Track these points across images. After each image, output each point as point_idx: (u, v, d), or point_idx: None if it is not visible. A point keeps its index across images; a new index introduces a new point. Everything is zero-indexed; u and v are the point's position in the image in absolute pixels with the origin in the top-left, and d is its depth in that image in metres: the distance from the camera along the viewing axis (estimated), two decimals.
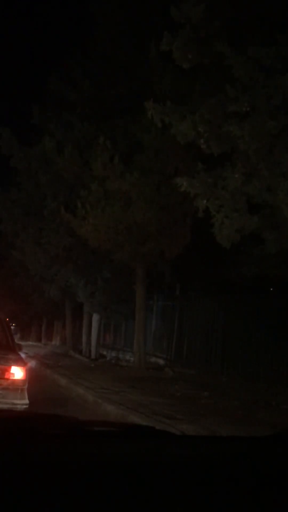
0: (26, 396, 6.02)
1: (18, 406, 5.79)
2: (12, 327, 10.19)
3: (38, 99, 17.75)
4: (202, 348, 14.10)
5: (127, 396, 9.10)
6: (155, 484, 1.28)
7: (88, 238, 13.55)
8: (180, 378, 12.13)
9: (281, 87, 6.79)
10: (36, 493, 1.16)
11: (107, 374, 12.76)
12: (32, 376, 6.93)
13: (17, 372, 6.07)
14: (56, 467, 1.30)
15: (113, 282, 16.78)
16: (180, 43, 7.54)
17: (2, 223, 19.59)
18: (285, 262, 10.67)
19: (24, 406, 5.88)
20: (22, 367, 6.17)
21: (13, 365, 6.10)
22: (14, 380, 6.01)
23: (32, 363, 10.00)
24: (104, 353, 20.21)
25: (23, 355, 7.42)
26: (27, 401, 5.97)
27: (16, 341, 7.71)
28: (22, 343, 10.53)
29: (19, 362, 6.32)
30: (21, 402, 5.90)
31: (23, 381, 6.07)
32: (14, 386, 5.98)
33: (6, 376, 6.00)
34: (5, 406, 5.60)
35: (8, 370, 6.04)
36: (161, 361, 15.55)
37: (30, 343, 27.56)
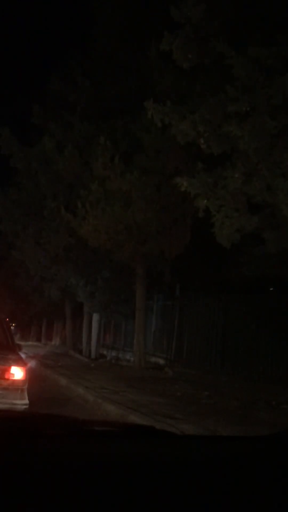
0: (26, 396, 6.01)
1: (18, 406, 5.79)
2: (12, 327, 10.20)
3: (38, 99, 17.73)
4: (202, 348, 14.10)
5: (127, 396, 9.10)
6: (155, 484, 1.28)
7: (88, 238, 13.55)
8: (180, 378, 12.12)
9: (281, 87, 6.79)
10: (36, 493, 1.16)
11: (107, 374, 12.76)
12: (32, 376, 6.93)
13: (17, 372, 6.07)
14: (56, 467, 1.30)
15: (113, 282, 16.78)
16: (180, 43, 7.54)
17: (2, 223, 19.60)
18: (285, 262, 10.67)
19: (24, 406, 5.87)
20: (22, 367, 6.16)
21: (13, 365, 6.10)
22: (14, 380, 6.01)
23: (32, 363, 10.01)
24: (104, 353, 20.21)
25: (23, 355, 7.42)
26: (27, 401, 5.97)
27: (16, 341, 7.70)
28: (22, 343, 10.53)
29: (19, 362, 6.31)
30: (21, 402, 5.89)
31: (23, 381, 6.07)
32: (14, 386, 5.97)
33: (6, 376, 5.99)
34: (5, 406, 5.60)
35: (8, 370, 6.04)
36: (161, 361, 15.55)
37: (30, 343, 27.56)
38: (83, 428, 1.85)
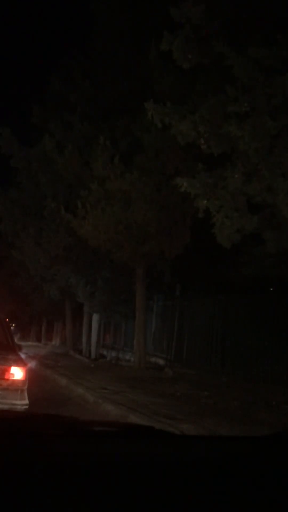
0: (26, 397, 6.01)
1: (18, 407, 5.79)
2: (12, 327, 10.19)
3: (38, 99, 17.77)
4: (202, 348, 14.09)
5: (127, 396, 9.10)
6: (155, 484, 1.28)
7: (88, 238, 13.55)
8: (180, 378, 12.13)
9: (281, 87, 6.79)
10: (37, 493, 1.16)
11: (107, 374, 12.76)
12: (32, 376, 6.93)
13: (17, 373, 6.07)
14: (56, 467, 1.30)
15: (113, 282, 16.78)
16: (180, 43, 7.54)
17: (2, 223, 19.61)
18: (285, 262, 10.67)
19: (24, 407, 5.87)
20: (22, 368, 6.16)
21: (13, 366, 6.10)
22: (14, 381, 6.01)
23: (32, 364, 10.02)
24: (104, 353, 20.21)
25: (23, 356, 7.42)
26: (27, 401, 5.97)
27: (16, 341, 7.71)
28: (22, 343, 10.54)
29: (19, 362, 6.31)
30: (21, 403, 5.89)
31: (23, 381, 6.06)
32: (14, 387, 5.97)
33: (6, 377, 5.99)
34: (5, 407, 5.60)
35: (8, 370, 6.04)
36: (161, 361, 15.55)
37: (30, 343, 27.57)
38: (83, 428, 1.85)
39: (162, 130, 9.02)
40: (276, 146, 7.16)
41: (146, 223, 12.46)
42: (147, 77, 11.68)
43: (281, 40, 6.90)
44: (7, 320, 7.75)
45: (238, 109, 7.12)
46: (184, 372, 13.51)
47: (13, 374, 6.04)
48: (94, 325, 19.67)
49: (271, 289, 13.32)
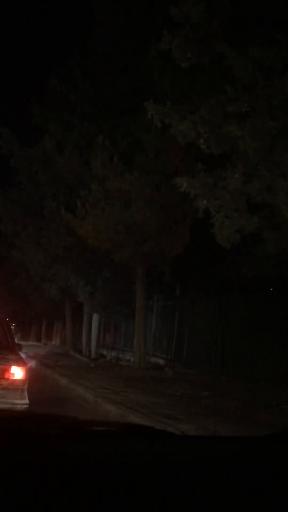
0: (26, 396, 6.01)
1: (18, 406, 5.79)
2: (12, 327, 10.18)
3: (38, 99, 17.74)
4: (202, 348, 14.10)
5: (127, 396, 9.10)
6: (155, 484, 1.28)
7: (88, 238, 13.55)
8: (180, 378, 12.12)
9: (281, 87, 6.79)
10: (36, 493, 1.16)
11: (107, 374, 12.76)
12: (32, 376, 6.93)
13: (17, 372, 6.07)
14: (56, 467, 1.30)
15: (113, 282, 16.78)
16: (179, 42, 7.54)
17: (2, 223, 19.59)
18: (285, 262, 10.66)
19: (24, 406, 5.87)
20: (22, 367, 6.16)
21: (13, 365, 6.10)
22: (14, 380, 6.01)
23: (32, 363, 10.00)
24: (104, 353, 20.21)
25: (23, 355, 7.42)
26: (27, 401, 5.97)
27: (16, 341, 7.70)
28: (22, 343, 10.54)
29: (19, 362, 6.31)
30: (21, 402, 5.89)
31: (23, 381, 6.06)
32: (14, 386, 5.97)
33: (6, 376, 5.99)
34: (5, 406, 5.60)
35: (8, 370, 6.04)
36: (161, 361, 15.55)
37: (30, 343, 27.57)
38: (83, 428, 1.85)
39: (162, 130, 9.04)
40: (276, 146, 7.16)
41: (146, 223, 12.45)
42: (147, 77, 11.68)
43: (281, 40, 6.90)
44: (7, 320, 7.75)
45: (238, 109, 7.12)
46: (184, 372, 13.51)
47: (13, 374, 6.04)
48: (94, 325, 19.67)
49: (271, 289, 13.32)
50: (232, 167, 7.75)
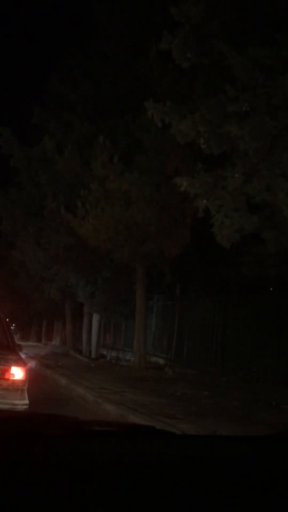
0: (26, 397, 6.01)
1: (18, 407, 5.79)
2: (12, 327, 10.19)
3: (38, 99, 17.75)
4: (202, 348, 14.10)
5: (127, 396, 9.10)
6: (155, 484, 1.28)
7: (88, 238, 13.54)
8: (180, 378, 12.12)
9: (281, 87, 6.79)
10: (37, 493, 1.15)
11: (107, 374, 12.76)
12: (32, 376, 6.93)
13: (17, 373, 6.07)
14: (56, 467, 1.30)
15: (113, 282, 16.77)
16: (179, 42, 7.54)
17: (2, 223, 19.59)
18: (285, 262, 10.67)
19: (24, 407, 5.87)
20: (22, 368, 6.16)
21: (13, 366, 6.10)
22: (14, 381, 6.01)
23: (32, 363, 10.00)
24: (104, 353, 20.21)
25: (23, 355, 7.42)
26: (27, 401, 5.97)
27: (16, 341, 7.70)
28: (22, 343, 10.54)
29: (19, 362, 6.31)
30: (21, 403, 5.89)
31: (23, 381, 6.06)
32: (14, 387, 5.97)
33: (6, 377, 5.99)
34: (5, 407, 5.60)
35: (8, 370, 6.04)
36: (161, 361, 15.55)
37: (30, 343, 27.55)
38: (83, 428, 1.84)
39: (162, 130, 9.03)
40: (276, 146, 7.16)
41: (146, 223, 12.45)
42: (147, 77, 11.69)
43: (281, 40, 6.90)
44: (7, 320, 7.75)
45: (238, 109, 7.12)
46: (184, 372, 13.51)
47: (13, 374, 6.04)
48: (94, 325, 19.66)
49: (271, 289, 13.32)
50: (232, 167, 7.75)
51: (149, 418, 6.98)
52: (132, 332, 15.62)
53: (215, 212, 8.03)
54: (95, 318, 19.57)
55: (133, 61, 13.12)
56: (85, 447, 1.53)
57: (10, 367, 6.06)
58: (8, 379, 5.98)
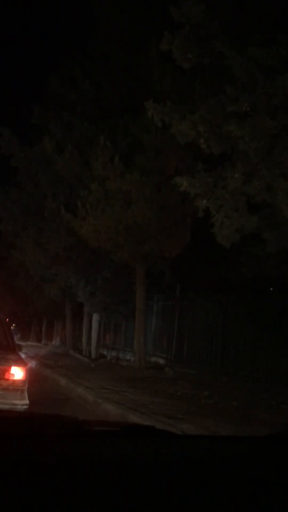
0: (26, 397, 6.01)
1: (18, 407, 5.79)
2: (12, 328, 10.19)
3: (38, 99, 17.77)
4: (202, 348, 14.10)
5: (127, 396, 9.10)
6: (155, 483, 1.28)
7: (88, 238, 13.55)
8: (180, 378, 12.12)
9: (281, 87, 6.79)
10: (37, 493, 1.16)
11: (107, 374, 12.76)
12: (32, 376, 6.93)
13: (17, 373, 6.07)
14: (56, 467, 1.30)
15: (113, 282, 16.78)
16: (180, 42, 7.54)
17: (2, 223, 19.59)
18: (285, 262, 10.67)
19: (24, 407, 5.87)
20: (22, 368, 6.16)
21: (13, 366, 6.10)
22: (14, 381, 6.01)
23: (32, 363, 10.02)
24: (104, 353, 20.21)
25: (23, 355, 7.42)
26: (27, 401, 5.97)
27: (16, 341, 7.70)
28: (22, 343, 10.53)
29: (19, 362, 6.31)
30: (21, 403, 5.90)
31: (23, 381, 6.07)
32: (14, 387, 5.97)
33: (6, 377, 5.99)
34: (5, 407, 5.60)
35: (8, 370, 6.04)
36: (161, 361, 15.55)
37: (30, 343, 27.57)
38: (83, 428, 1.85)
39: (162, 130, 9.04)
40: (276, 146, 7.16)
41: (146, 223, 12.46)
42: (147, 77, 11.68)
43: (281, 40, 6.90)
44: (7, 320, 7.75)
45: (238, 109, 7.12)
46: (184, 372, 13.52)
47: (13, 374, 6.04)
48: (94, 325, 19.66)
49: (271, 289, 13.32)
50: (232, 167, 7.76)
51: (149, 418, 6.98)
52: (132, 332, 15.62)
53: (215, 212, 8.04)
54: (95, 318, 19.57)
55: (133, 61, 13.12)
56: (85, 447, 1.53)
57: (10, 367, 6.06)
58: (8, 379, 5.99)
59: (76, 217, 13.58)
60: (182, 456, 1.56)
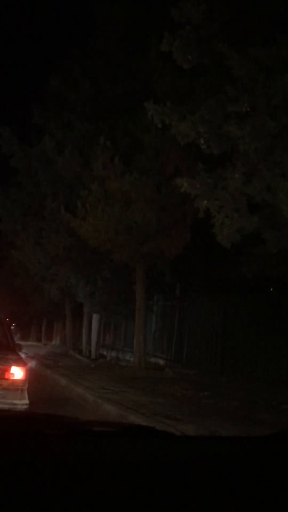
0: (26, 396, 6.02)
1: (18, 406, 5.79)
2: (12, 327, 10.19)
3: (38, 99, 17.79)
4: (202, 348, 14.10)
5: (127, 396, 9.10)
6: (155, 484, 1.28)
7: (88, 238, 13.54)
8: (180, 378, 12.12)
9: (281, 87, 6.79)
10: (37, 493, 1.16)
11: (107, 374, 12.75)
12: (32, 376, 6.93)
13: (17, 372, 6.07)
14: (56, 467, 1.30)
15: (113, 282, 16.78)
16: (180, 43, 7.54)
17: (2, 223, 19.60)
18: (285, 262, 10.67)
19: (24, 406, 5.88)
20: (22, 367, 6.17)
21: (13, 365, 6.11)
22: (14, 380, 6.01)
23: (32, 363, 10.00)
24: (104, 353, 20.21)
25: (23, 355, 7.42)
26: (27, 401, 5.97)
27: (16, 341, 7.71)
28: (22, 343, 10.53)
29: (19, 362, 6.32)
30: (21, 402, 5.90)
31: (23, 381, 6.07)
32: (14, 386, 5.98)
33: (6, 376, 6.00)
34: (5, 406, 5.60)
35: (8, 370, 6.04)
36: (161, 361, 15.55)
37: (30, 343, 27.57)
38: (83, 428, 1.85)
39: (162, 130, 9.03)
40: (276, 146, 7.16)
41: (146, 223, 12.45)
42: (147, 77, 11.68)
43: (281, 40, 6.90)
44: (7, 320, 7.75)
45: (238, 109, 7.12)
46: (184, 372, 13.51)
47: (13, 374, 6.04)
48: (94, 325, 19.66)
49: (271, 289, 13.32)
50: (232, 167, 7.76)
51: (149, 418, 6.98)
52: (132, 332, 15.62)
53: (216, 213, 8.03)
54: (95, 318, 19.57)
55: (133, 61, 13.12)
56: (85, 447, 1.53)
57: (10, 367, 6.07)
58: (8, 379, 5.99)
59: (76, 217, 13.58)
60: (182, 457, 1.56)
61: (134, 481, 1.28)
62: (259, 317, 11.98)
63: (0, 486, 1.16)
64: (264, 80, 6.96)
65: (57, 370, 13.20)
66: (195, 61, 7.74)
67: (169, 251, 13.02)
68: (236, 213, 7.94)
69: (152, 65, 11.47)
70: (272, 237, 8.40)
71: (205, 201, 7.99)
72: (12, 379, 6.01)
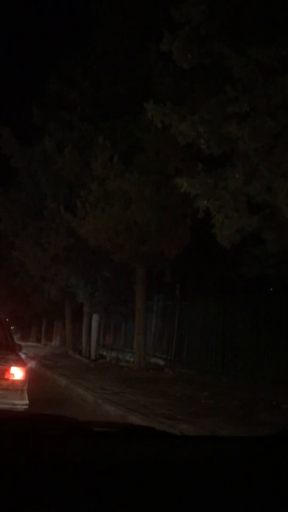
0: (26, 397, 6.01)
1: (18, 407, 5.79)
2: (12, 328, 10.17)
3: (38, 99, 17.73)
4: (202, 348, 14.09)
5: (127, 396, 9.10)
6: (155, 484, 1.28)
7: (88, 238, 13.54)
8: (180, 378, 12.12)
9: (281, 87, 6.79)
10: (36, 493, 1.15)
11: (107, 374, 12.75)
12: (32, 377, 6.93)
13: (17, 373, 6.07)
14: (56, 467, 1.30)
15: (113, 282, 16.77)
16: (180, 43, 7.54)
17: (2, 223, 19.61)
18: (285, 262, 10.67)
19: (24, 407, 5.87)
20: (22, 368, 6.16)
21: (13, 366, 6.10)
22: (14, 381, 6.01)
23: (32, 364, 10.00)
24: (104, 353, 20.20)
25: (23, 356, 7.42)
26: (27, 401, 5.97)
27: (16, 341, 7.70)
28: (22, 343, 10.52)
29: (19, 362, 6.31)
30: (21, 403, 5.89)
31: (23, 381, 6.06)
32: (14, 387, 5.97)
33: (6, 377, 5.99)
34: (5, 407, 5.60)
35: (8, 370, 6.04)
36: (161, 361, 15.54)
37: (30, 343, 27.56)
38: (83, 428, 1.84)
39: (162, 130, 9.03)
40: (276, 146, 7.16)
41: (146, 223, 12.45)
42: (147, 77, 11.68)
43: (281, 40, 6.89)
44: (7, 320, 7.75)
45: (238, 109, 7.11)
46: (184, 372, 13.51)
47: (13, 374, 6.04)
48: (94, 325, 19.66)
49: (271, 289, 13.32)
50: (232, 167, 7.75)
51: (149, 418, 6.98)
52: (132, 332, 15.62)
53: (216, 213, 8.03)
54: (95, 318, 19.56)
55: (133, 61, 13.11)
56: (85, 448, 1.53)
57: (10, 367, 6.06)
58: (8, 379, 5.98)
59: (76, 217, 13.58)
60: (182, 457, 1.55)
61: (134, 481, 1.28)
62: (259, 317, 11.97)
63: (0, 486, 1.16)
64: (264, 80, 6.96)
65: (57, 371, 13.20)
66: (195, 61, 7.74)
67: (169, 251, 13.02)
68: (236, 213, 7.94)
69: (152, 65, 11.47)
70: (272, 237, 8.40)
71: (205, 201, 7.99)
72: (12, 379, 6.00)
